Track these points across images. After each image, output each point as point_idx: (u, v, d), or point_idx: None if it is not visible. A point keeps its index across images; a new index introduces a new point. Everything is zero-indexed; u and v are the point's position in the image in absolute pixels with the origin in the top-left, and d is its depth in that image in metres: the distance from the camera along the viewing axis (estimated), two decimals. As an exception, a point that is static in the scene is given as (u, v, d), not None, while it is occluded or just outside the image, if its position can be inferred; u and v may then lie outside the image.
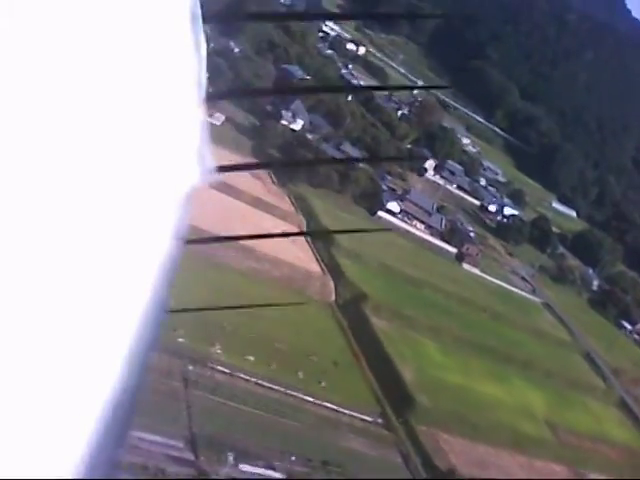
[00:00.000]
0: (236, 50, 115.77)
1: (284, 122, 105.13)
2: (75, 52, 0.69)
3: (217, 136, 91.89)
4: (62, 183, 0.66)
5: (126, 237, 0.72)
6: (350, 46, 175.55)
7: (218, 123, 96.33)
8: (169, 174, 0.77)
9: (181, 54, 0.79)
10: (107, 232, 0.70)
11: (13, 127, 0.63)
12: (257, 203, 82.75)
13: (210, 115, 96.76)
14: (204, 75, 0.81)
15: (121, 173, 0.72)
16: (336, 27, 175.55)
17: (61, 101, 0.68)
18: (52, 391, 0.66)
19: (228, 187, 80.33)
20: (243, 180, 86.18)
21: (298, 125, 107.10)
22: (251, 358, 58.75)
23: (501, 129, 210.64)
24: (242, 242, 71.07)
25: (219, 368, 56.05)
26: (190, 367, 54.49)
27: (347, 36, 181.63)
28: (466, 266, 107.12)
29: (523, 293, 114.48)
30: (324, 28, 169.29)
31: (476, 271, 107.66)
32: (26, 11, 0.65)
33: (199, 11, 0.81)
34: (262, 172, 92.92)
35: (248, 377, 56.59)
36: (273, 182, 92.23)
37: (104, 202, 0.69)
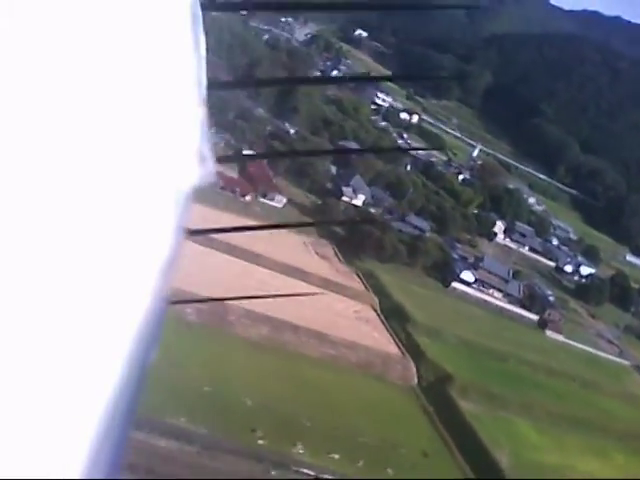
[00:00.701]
0: (292, 132, 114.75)
1: (345, 198, 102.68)
2: (75, 52, 0.66)
3: (280, 219, 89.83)
4: (62, 183, 0.64)
5: (127, 237, 0.69)
6: (403, 115, 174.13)
7: (280, 206, 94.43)
8: (169, 174, 0.75)
9: (181, 53, 0.77)
10: (107, 232, 0.67)
11: (13, 127, 0.62)
12: (326, 284, 79.41)
13: (271, 199, 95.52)
14: (204, 74, 0.80)
15: (121, 173, 0.69)
16: (388, 98, 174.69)
17: (61, 101, 0.64)
18: (52, 391, 0.65)
19: (295, 270, 77.70)
20: (309, 261, 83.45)
21: (360, 200, 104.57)
22: (336, 456, 54.46)
23: (565, 185, 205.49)
24: (315, 328, 67.83)
25: (303, 470, 51.93)
26: (273, 472, 50.56)
27: (399, 106, 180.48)
28: (549, 333, 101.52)
29: (611, 357, 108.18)
30: (376, 100, 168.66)
31: (560, 337, 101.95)
32: (26, 11, 0.63)
33: (199, 11, 0.80)
34: (328, 251, 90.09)
35: (334, 478, 52.34)
36: (340, 260, 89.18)
37: (104, 202, 0.67)
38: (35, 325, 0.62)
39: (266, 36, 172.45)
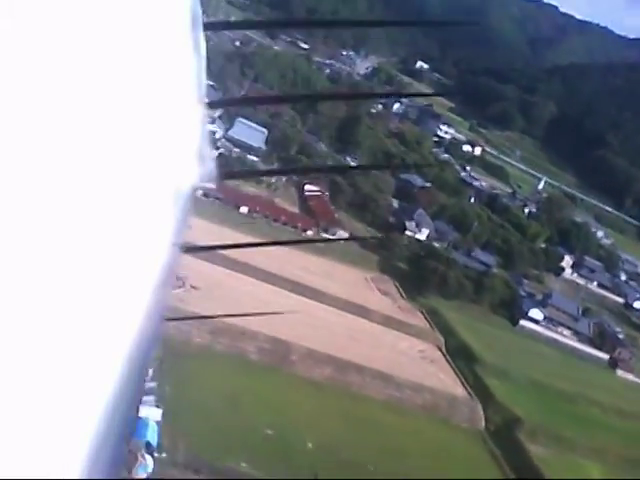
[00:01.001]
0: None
1: (409, 233, 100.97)
2: (76, 53, 0.65)
3: (341, 254, 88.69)
4: (62, 184, 0.63)
5: (126, 238, 0.69)
6: (466, 147, 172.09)
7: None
8: (169, 175, 0.74)
9: (181, 54, 0.77)
10: (107, 233, 0.67)
11: (13, 128, 0.61)
12: (389, 322, 77.77)
13: (333, 234, 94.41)
14: (204, 75, 0.80)
15: (121, 174, 0.68)
16: (450, 130, 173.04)
17: (61, 102, 0.64)
18: (52, 391, 0.64)
19: (356, 307, 76.26)
20: (371, 298, 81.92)
21: (423, 235, 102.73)
22: (403, 504, 52.43)
23: (632, 217, 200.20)
24: (379, 369, 66.07)
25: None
26: (335, 521, 48.75)
27: (462, 138, 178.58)
28: (620, 372, 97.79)
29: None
30: (438, 132, 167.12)
31: (631, 377, 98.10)
32: (26, 11, 0.62)
33: (199, 11, 0.80)
34: (389, 287, 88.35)
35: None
36: (402, 297, 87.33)
37: (104, 203, 0.66)
38: (34, 326, 0.62)
39: (327, 70, 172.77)
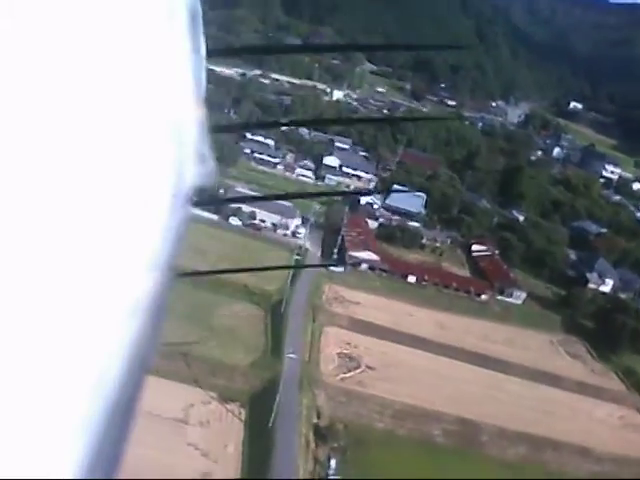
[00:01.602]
0: (521, 219, 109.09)
1: (592, 285, 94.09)
2: (74, 52, 0.66)
3: (522, 317, 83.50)
4: (59, 184, 0.64)
5: (125, 238, 0.69)
6: (636, 186, 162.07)
7: (519, 302, 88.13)
8: (168, 174, 0.74)
9: (180, 53, 0.76)
10: (105, 233, 0.67)
11: (11, 127, 0.61)
12: (583, 389, 71.54)
13: (509, 295, 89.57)
14: (204, 74, 0.79)
15: (120, 174, 0.68)
16: (617, 169, 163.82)
17: (60, 101, 0.65)
18: (52, 391, 0.65)
19: (545, 375, 70.84)
20: (560, 363, 76.15)
21: (608, 286, 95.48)
22: None
23: None
24: (578, 443, 60.49)
25: None
26: None
27: (629, 176, 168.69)
28: None
29: None
30: (604, 173, 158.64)
31: None
32: (26, 11, 0.63)
33: (199, 10, 0.79)
34: (579, 349, 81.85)
35: None
36: (594, 358, 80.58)
37: (102, 203, 0.67)
38: (33, 325, 0.62)
39: (480, 124, 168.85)
